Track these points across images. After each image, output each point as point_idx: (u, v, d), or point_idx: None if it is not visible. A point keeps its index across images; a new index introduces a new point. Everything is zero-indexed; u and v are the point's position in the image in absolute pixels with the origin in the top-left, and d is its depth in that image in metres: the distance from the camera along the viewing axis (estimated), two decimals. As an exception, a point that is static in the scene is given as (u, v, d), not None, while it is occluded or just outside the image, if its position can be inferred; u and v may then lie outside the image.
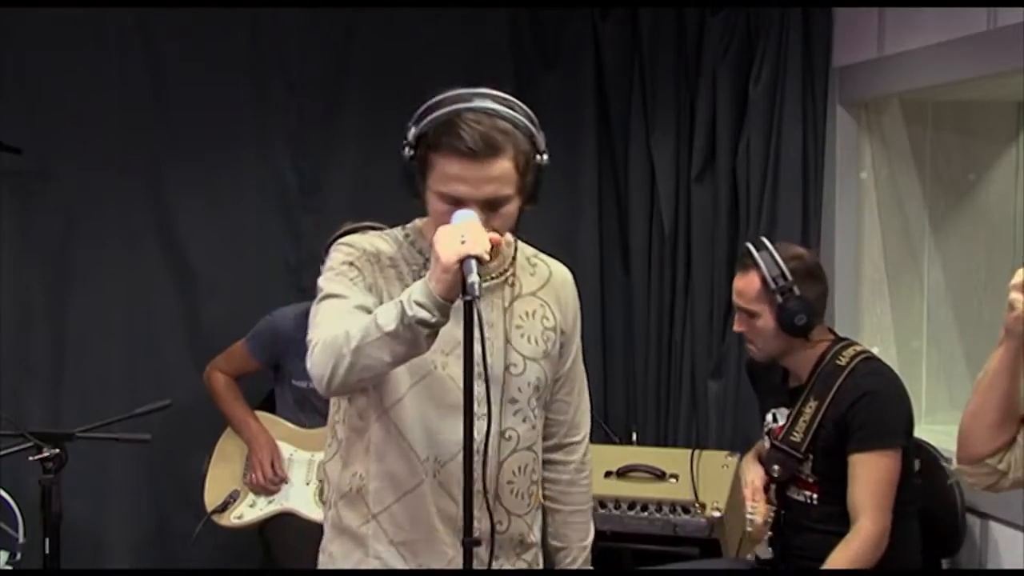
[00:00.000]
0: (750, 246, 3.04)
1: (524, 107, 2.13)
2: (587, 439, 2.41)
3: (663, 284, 4.25)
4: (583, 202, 4.26)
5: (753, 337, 3.05)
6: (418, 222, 2.25)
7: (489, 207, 2.07)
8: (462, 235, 1.95)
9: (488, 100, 2.09)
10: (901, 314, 3.91)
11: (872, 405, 2.90)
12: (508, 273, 2.24)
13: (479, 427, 2.06)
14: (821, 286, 3.04)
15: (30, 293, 4.02)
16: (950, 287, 3.90)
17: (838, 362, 2.98)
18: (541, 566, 2.34)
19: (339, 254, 2.20)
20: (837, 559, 2.86)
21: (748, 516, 2.90)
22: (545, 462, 2.36)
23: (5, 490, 3.44)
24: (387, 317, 1.98)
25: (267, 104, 4.11)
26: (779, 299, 2.95)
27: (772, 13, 3.97)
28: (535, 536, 2.32)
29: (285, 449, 3.73)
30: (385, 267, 2.18)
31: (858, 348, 3.05)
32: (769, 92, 3.98)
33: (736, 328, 3.11)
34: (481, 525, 2.05)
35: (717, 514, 3.54)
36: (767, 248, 3.00)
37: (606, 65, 4.23)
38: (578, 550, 2.40)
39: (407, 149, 2.11)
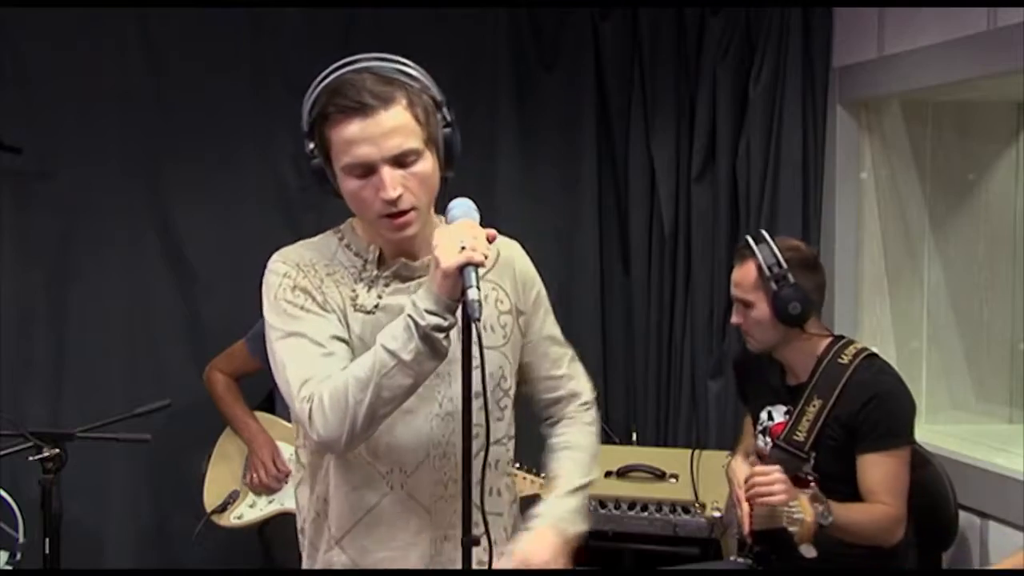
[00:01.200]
0: (749, 238, 3.07)
1: (413, 64, 2.06)
2: (592, 402, 2.33)
3: (663, 284, 4.25)
4: (583, 202, 4.26)
5: (749, 328, 3.06)
6: (352, 221, 2.18)
7: (399, 164, 1.99)
8: (461, 241, 1.89)
9: (368, 61, 2.03)
10: (901, 314, 3.92)
11: (883, 406, 2.90)
12: None
13: (443, 428, 2.04)
14: (818, 278, 3.04)
15: (30, 293, 4.02)
16: (950, 287, 3.91)
17: (840, 360, 2.98)
18: None
19: (275, 277, 2.10)
20: (860, 508, 2.86)
21: (795, 516, 2.84)
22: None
23: (5, 490, 3.44)
24: (397, 341, 1.93)
25: (267, 104, 4.11)
26: (774, 287, 2.96)
27: (772, 13, 3.97)
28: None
29: (285, 449, 3.73)
30: (324, 276, 2.10)
31: (858, 346, 3.05)
32: (769, 92, 3.99)
33: (733, 320, 3.12)
34: (456, 532, 1.99)
35: (717, 514, 3.53)
36: (765, 240, 3.02)
37: (606, 65, 4.23)
38: (565, 484, 2.22)
39: (307, 143, 2.05)
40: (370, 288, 2.10)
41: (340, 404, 1.96)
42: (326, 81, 2.02)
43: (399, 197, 2.00)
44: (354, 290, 2.10)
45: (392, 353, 1.93)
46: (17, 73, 3.96)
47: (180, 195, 4.09)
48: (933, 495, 3.16)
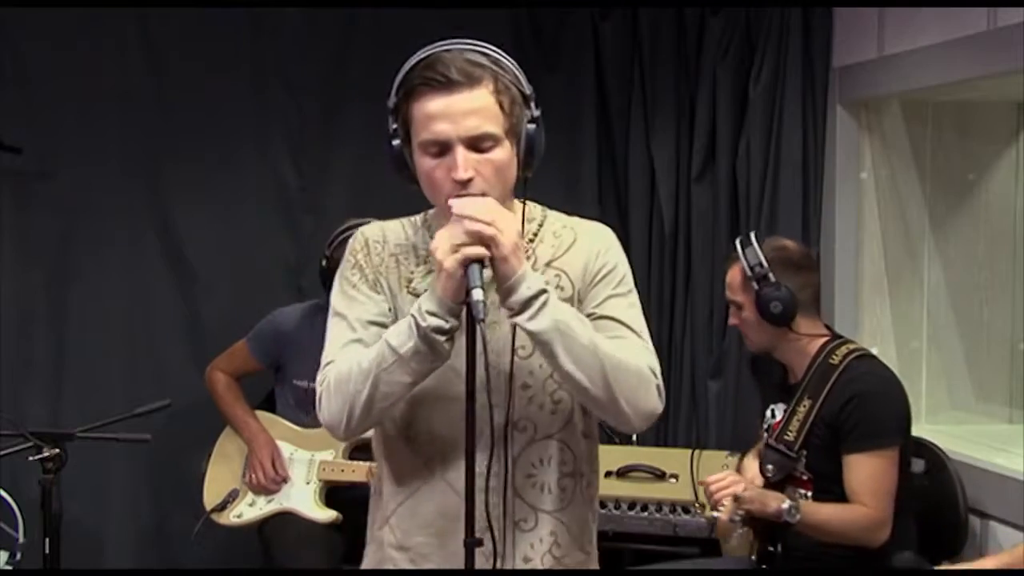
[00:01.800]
0: (737, 241, 3.10)
1: (507, 55, 2.05)
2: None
3: (663, 284, 4.25)
4: (583, 202, 4.24)
5: (744, 329, 3.12)
6: None
7: (474, 147, 1.97)
8: (459, 239, 1.88)
9: (464, 44, 2.02)
10: (901, 314, 3.92)
11: (863, 406, 2.91)
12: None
13: (483, 418, 1.97)
14: (805, 276, 3.06)
15: (30, 293, 4.02)
16: (950, 287, 3.90)
17: (831, 361, 3.00)
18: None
19: (348, 251, 2.13)
20: (833, 508, 2.88)
21: (715, 512, 2.91)
22: None
23: (5, 490, 3.44)
24: (400, 337, 1.93)
25: (267, 104, 4.11)
26: (755, 287, 2.99)
27: (772, 13, 3.97)
28: (584, 540, 2.15)
29: (285, 449, 3.73)
30: (387, 255, 2.11)
31: (852, 346, 3.05)
32: (769, 92, 3.98)
33: (730, 322, 3.18)
34: (501, 524, 1.99)
35: (717, 514, 3.54)
36: (752, 242, 3.05)
37: (606, 65, 4.23)
38: None
39: (391, 122, 2.04)
40: (429, 272, 2.08)
41: (343, 389, 1.98)
42: (419, 57, 2.01)
43: (470, 180, 1.97)
44: (412, 272, 2.10)
45: (393, 349, 1.93)
46: (17, 73, 3.96)
47: (180, 195, 4.09)
48: (945, 502, 3.15)
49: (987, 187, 3.88)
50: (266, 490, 3.70)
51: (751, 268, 3.00)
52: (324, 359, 2.06)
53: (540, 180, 4.38)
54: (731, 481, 2.90)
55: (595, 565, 2.19)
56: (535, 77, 4.23)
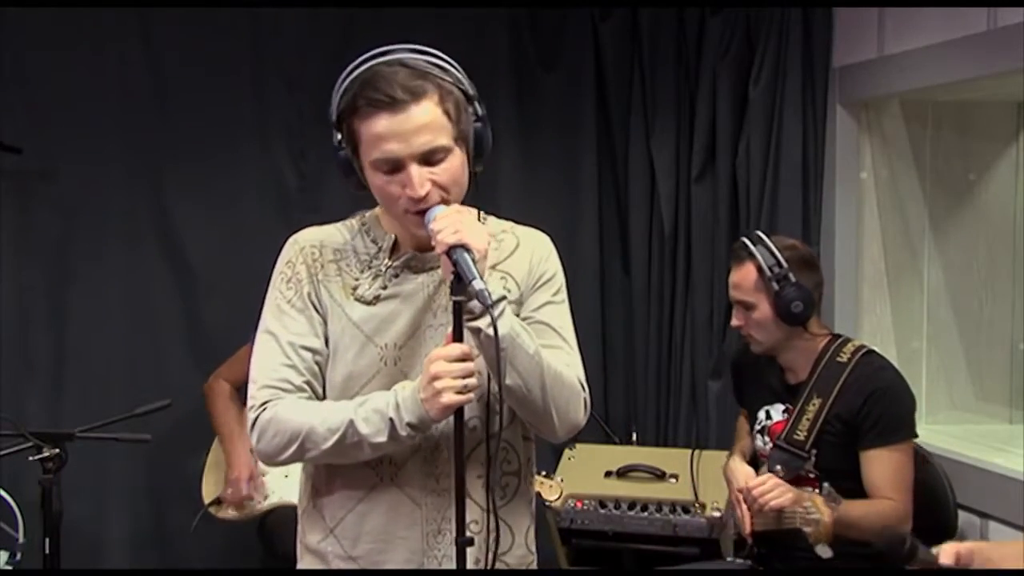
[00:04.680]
0: (745, 240, 3.07)
1: (446, 57, 2.03)
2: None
3: (663, 284, 4.25)
4: (583, 202, 4.26)
5: (751, 329, 3.07)
6: (377, 210, 2.17)
7: (426, 162, 1.97)
8: (459, 373, 1.92)
9: (400, 53, 2.00)
10: (901, 314, 3.92)
11: (884, 401, 2.92)
12: None
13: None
14: (817, 276, 3.06)
15: (30, 293, 4.02)
16: (950, 287, 3.90)
17: (839, 359, 2.99)
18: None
19: (282, 261, 2.15)
20: (859, 506, 2.85)
21: (811, 517, 2.78)
22: None
23: (5, 490, 3.45)
24: (370, 428, 1.97)
25: (267, 104, 4.11)
26: (776, 287, 2.97)
27: (772, 13, 3.97)
28: (524, 538, 2.18)
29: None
30: (327, 262, 2.11)
31: (856, 343, 3.06)
32: (769, 92, 3.98)
33: (734, 323, 3.12)
34: (450, 526, 2.00)
35: (717, 514, 3.54)
36: (762, 241, 3.03)
37: (606, 65, 4.23)
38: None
39: (335, 134, 2.04)
40: (376, 278, 2.09)
41: (285, 435, 2.01)
42: (357, 71, 2.01)
43: (426, 196, 1.98)
44: (357, 279, 2.10)
45: (362, 435, 1.98)
46: (17, 73, 3.96)
47: (180, 195, 4.09)
48: (932, 494, 3.15)
49: (987, 187, 3.88)
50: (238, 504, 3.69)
51: (769, 268, 2.98)
52: (256, 379, 2.07)
53: (540, 180, 4.43)
54: (774, 483, 2.84)
55: (535, 564, 2.20)
56: (535, 77, 4.31)
